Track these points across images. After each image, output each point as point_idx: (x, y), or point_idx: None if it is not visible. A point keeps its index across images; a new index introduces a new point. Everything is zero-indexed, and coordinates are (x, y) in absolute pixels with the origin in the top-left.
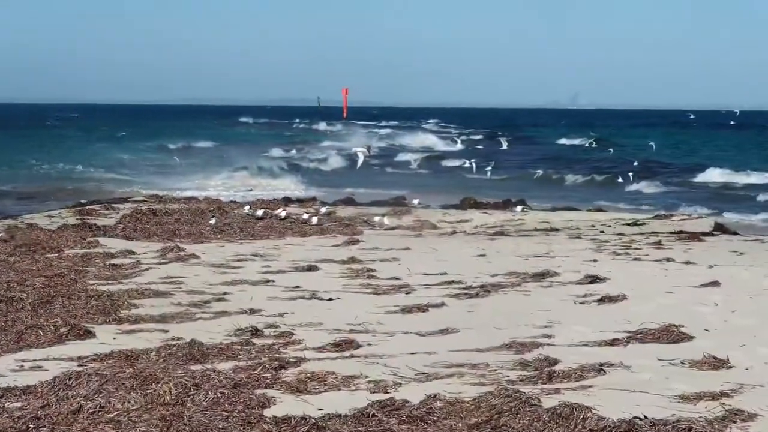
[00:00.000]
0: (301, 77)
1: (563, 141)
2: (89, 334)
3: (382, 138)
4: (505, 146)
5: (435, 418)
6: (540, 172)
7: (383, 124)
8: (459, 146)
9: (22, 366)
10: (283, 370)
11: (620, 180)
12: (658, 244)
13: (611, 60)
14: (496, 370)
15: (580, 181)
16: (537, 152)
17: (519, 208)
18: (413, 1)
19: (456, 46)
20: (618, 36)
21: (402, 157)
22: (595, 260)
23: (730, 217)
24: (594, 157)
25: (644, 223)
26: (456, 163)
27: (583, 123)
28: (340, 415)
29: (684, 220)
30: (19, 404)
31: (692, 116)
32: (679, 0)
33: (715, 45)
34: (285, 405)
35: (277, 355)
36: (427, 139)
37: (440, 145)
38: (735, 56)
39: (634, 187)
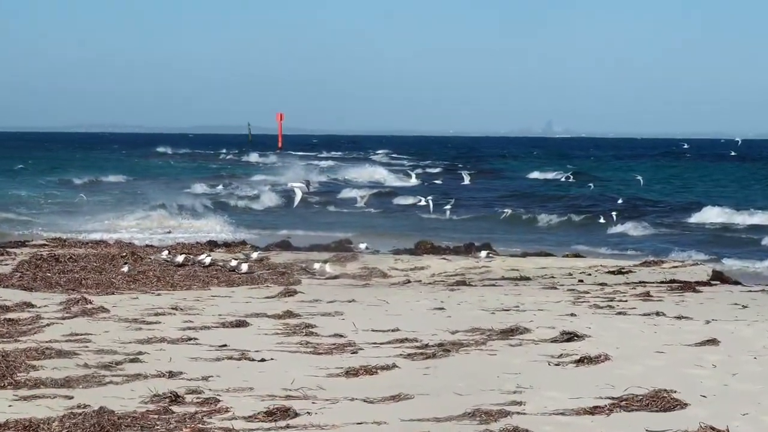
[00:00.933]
0: (228, 100)
1: (535, 175)
2: None
3: (323, 171)
4: (467, 181)
5: None
6: (508, 211)
7: (324, 155)
8: (413, 181)
9: None
10: None
11: (602, 220)
12: (647, 296)
13: (590, 82)
14: None
15: (555, 222)
16: (505, 188)
17: (484, 253)
18: (359, 13)
19: (410, 65)
20: (598, 55)
21: (347, 193)
22: (572, 314)
23: (730, 264)
24: (571, 193)
25: (630, 271)
26: (410, 200)
27: (559, 154)
28: None
29: (676, 267)
30: None
31: (686, 146)
32: (669, 14)
33: (713, 64)
34: None
35: (200, 426)
36: (375, 172)
37: (391, 180)
38: (735, 77)
39: (618, 228)
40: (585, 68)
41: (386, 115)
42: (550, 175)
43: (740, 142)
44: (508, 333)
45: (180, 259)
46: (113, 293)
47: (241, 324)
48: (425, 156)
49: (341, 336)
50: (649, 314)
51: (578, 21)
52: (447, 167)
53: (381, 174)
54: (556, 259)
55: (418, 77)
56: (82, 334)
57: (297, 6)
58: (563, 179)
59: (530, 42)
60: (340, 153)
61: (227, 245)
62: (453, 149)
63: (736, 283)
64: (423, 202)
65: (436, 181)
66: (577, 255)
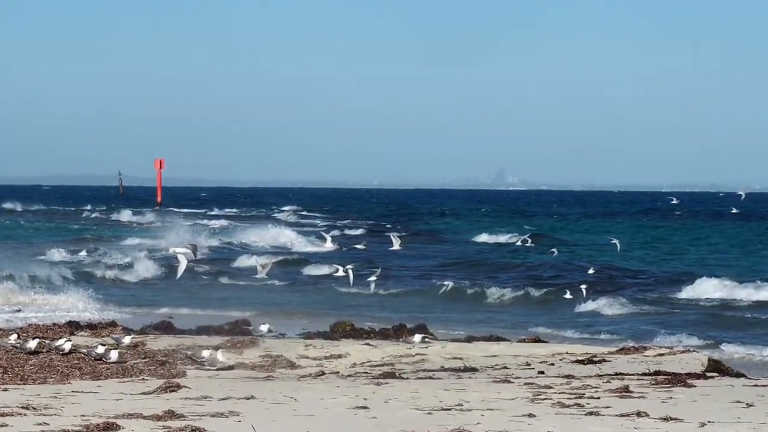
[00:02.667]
0: (93, 143)
1: (483, 238)
2: None
3: (214, 233)
4: (397, 245)
5: None
6: (449, 283)
7: (216, 212)
8: (328, 246)
9: None
10: None
11: (568, 296)
12: (625, 391)
13: (552, 121)
14: None
15: (508, 298)
16: (445, 254)
17: (418, 337)
18: (257, 35)
19: (320, 99)
20: (561, 86)
21: (244, 261)
22: (530, 415)
23: (731, 351)
24: (529, 261)
25: (604, 360)
26: (324, 270)
27: (513, 210)
28: None
29: (663, 355)
30: None
31: (674, 200)
32: (650, 34)
33: (707, 98)
34: None
35: None
36: (280, 234)
37: (301, 244)
38: (736, 114)
39: (588, 306)
40: (545, 103)
41: (293, 163)
42: (502, 239)
43: (744, 197)
44: None
45: (32, 344)
46: None
47: (109, 427)
48: (343, 213)
49: None
50: (628, 415)
51: (537, 45)
52: (371, 228)
53: (287, 237)
54: (511, 344)
55: (331, 114)
56: None
57: (185, 29)
58: (519, 243)
59: (475, 71)
60: (235, 210)
61: (92, 327)
62: (379, 205)
63: (739, 375)
64: (341, 273)
65: (358, 246)
66: (536, 340)
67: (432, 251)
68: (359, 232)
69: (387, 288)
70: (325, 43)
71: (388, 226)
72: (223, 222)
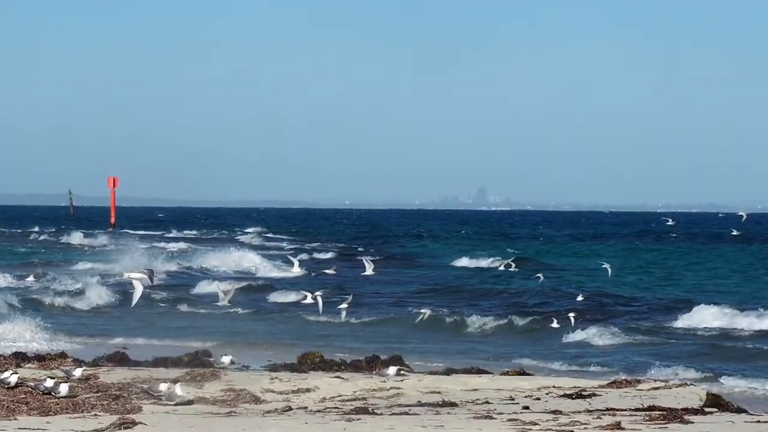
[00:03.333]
0: (41, 159)
1: (464, 262)
2: None
3: (172, 257)
4: (370, 270)
5: None
6: (426, 311)
7: (174, 234)
8: (296, 270)
9: None
10: None
11: (555, 325)
12: (617, 428)
13: (537, 136)
14: None
15: (490, 327)
16: (422, 280)
17: (393, 369)
18: (217, 44)
19: (287, 112)
20: (547, 98)
21: (204, 287)
22: None
23: (731, 385)
24: (513, 287)
25: (594, 395)
26: (291, 297)
27: (496, 232)
28: None
29: (658, 389)
30: None
31: (670, 222)
32: (642, 41)
33: (704, 110)
34: None
35: None
36: (244, 258)
37: (266, 269)
38: (736, 127)
39: (577, 336)
40: (530, 117)
41: (258, 181)
42: (483, 263)
43: (745, 217)
44: None
45: None
46: None
47: None
48: (312, 236)
49: None
50: None
51: (520, 53)
52: (342, 251)
53: (251, 261)
54: (493, 377)
55: (299, 129)
56: None
57: (143, 39)
58: (502, 268)
59: (454, 82)
60: (195, 232)
61: (40, 358)
62: (350, 226)
63: (740, 410)
64: (309, 300)
65: (328, 271)
66: (521, 372)
67: (408, 276)
68: (329, 255)
69: (359, 316)
70: (291, 54)
71: (360, 249)
72: (182, 245)
